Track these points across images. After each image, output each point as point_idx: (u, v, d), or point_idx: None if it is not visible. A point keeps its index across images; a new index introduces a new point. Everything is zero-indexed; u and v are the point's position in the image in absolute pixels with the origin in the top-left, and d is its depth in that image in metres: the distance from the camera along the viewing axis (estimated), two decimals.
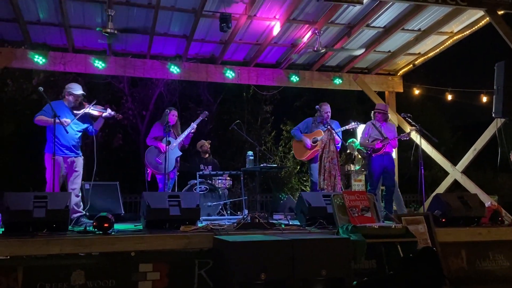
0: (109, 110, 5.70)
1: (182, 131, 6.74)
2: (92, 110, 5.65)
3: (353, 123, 6.95)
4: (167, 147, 6.42)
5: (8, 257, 3.90)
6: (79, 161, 5.61)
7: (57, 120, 5.26)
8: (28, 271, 3.90)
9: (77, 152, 5.61)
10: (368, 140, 6.79)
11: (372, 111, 7.05)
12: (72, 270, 3.98)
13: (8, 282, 3.85)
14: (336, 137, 6.65)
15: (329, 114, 6.92)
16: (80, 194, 5.59)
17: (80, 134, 5.64)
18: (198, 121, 6.70)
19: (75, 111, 5.59)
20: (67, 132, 5.36)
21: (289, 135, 12.62)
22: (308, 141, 6.96)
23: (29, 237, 4.09)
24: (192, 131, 6.65)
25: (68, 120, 5.48)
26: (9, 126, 11.42)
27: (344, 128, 6.94)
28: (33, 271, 3.92)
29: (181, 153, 6.42)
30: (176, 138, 6.62)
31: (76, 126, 5.59)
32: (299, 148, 7.13)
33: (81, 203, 5.59)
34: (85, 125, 5.71)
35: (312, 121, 7.17)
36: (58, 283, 3.94)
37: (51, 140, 5.38)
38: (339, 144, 6.82)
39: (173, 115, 6.73)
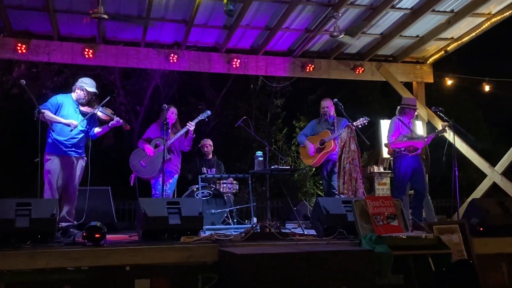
0: (116, 118, 5.78)
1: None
2: (101, 112, 5.74)
3: (361, 119, 6.73)
4: (155, 150, 6.45)
5: None
6: (80, 162, 5.66)
7: (64, 121, 5.50)
8: None
9: (79, 151, 5.66)
10: (401, 139, 6.64)
11: (399, 106, 6.94)
12: (60, 287, 4.01)
13: None
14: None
15: (327, 109, 7.03)
16: (75, 200, 5.63)
17: (83, 133, 5.71)
18: (196, 120, 6.68)
19: (81, 108, 5.68)
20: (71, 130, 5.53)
21: None
22: (311, 146, 6.98)
23: (11, 249, 4.12)
24: (191, 130, 6.61)
25: (75, 123, 5.57)
26: None
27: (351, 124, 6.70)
28: (16, 287, 3.94)
29: (169, 157, 6.43)
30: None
31: (78, 124, 5.64)
32: (305, 153, 7.20)
33: (74, 211, 5.63)
34: (88, 126, 5.78)
35: (316, 122, 7.24)
36: None
37: (50, 139, 5.48)
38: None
39: (172, 112, 6.74)
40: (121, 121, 5.82)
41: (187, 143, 6.75)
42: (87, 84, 5.71)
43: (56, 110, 5.57)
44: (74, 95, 5.73)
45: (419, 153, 6.68)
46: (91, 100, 5.74)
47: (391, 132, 6.77)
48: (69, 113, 5.62)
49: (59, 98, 5.67)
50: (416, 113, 7.22)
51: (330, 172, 6.98)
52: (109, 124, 5.80)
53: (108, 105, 5.89)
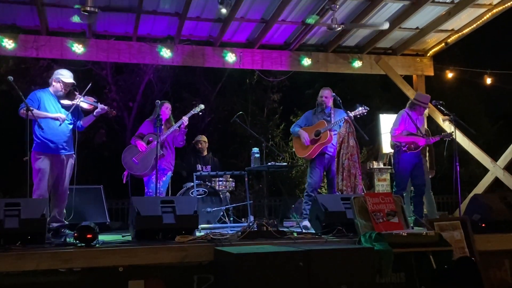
0: (100, 105, 5.74)
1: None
2: (83, 102, 5.68)
3: (360, 108, 6.52)
4: (147, 146, 6.47)
5: None
6: (70, 161, 5.62)
7: (52, 115, 5.45)
8: None
9: (69, 149, 5.62)
10: (403, 134, 6.64)
11: (410, 101, 6.89)
12: None
13: None
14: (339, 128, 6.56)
15: (325, 99, 6.81)
16: (66, 200, 5.61)
17: (71, 127, 5.67)
18: (190, 114, 6.69)
19: (62, 101, 5.61)
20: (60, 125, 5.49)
21: None
22: (306, 135, 6.74)
23: (0, 251, 4.11)
24: (183, 126, 6.63)
25: (63, 116, 5.53)
26: None
27: (348, 115, 6.47)
28: None
29: (162, 152, 6.44)
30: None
31: (66, 117, 5.61)
32: (299, 145, 6.96)
33: (65, 211, 5.62)
34: (74, 118, 5.73)
35: (312, 113, 7.03)
36: None
37: (38, 137, 5.43)
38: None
39: (166, 107, 6.76)
40: (105, 107, 5.77)
41: (180, 138, 6.74)
42: (63, 75, 5.62)
43: (38, 106, 5.48)
44: (51, 89, 5.65)
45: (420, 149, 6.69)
46: (70, 91, 5.66)
47: (396, 125, 6.73)
48: (50, 108, 5.54)
49: (38, 93, 5.59)
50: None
51: (328, 170, 6.84)
52: (94, 113, 5.75)
53: (101, 102, 5.86)
